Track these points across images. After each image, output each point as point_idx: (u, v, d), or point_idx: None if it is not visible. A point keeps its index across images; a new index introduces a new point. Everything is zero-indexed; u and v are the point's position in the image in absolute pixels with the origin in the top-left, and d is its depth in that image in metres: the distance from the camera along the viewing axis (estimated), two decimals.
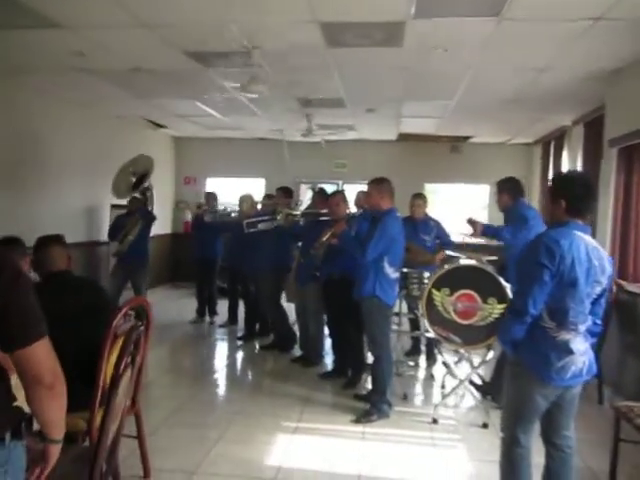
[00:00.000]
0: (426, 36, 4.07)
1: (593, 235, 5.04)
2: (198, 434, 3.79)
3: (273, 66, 4.89)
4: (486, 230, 4.39)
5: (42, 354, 1.37)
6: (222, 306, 7.37)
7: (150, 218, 6.52)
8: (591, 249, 2.38)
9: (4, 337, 1.34)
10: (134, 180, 6.30)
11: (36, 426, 1.49)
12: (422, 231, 5.64)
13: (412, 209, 5.68)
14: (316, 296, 5.35)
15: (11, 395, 1.44)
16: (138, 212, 6.37)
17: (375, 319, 4.09)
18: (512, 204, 4.38)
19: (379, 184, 4.16)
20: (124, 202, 6.54)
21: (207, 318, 7.45)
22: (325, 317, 5.44)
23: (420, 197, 5.79)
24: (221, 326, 7.17)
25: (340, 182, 9.86)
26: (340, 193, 5.17)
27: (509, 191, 4.42)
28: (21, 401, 1.44)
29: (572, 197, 2.41)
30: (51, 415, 1.44)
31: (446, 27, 3.87)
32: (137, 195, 6.38)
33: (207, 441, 3.67)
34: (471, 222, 4.43)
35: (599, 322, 2.51)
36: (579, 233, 2.40)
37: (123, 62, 5.01)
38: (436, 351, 5.30)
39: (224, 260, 7.28)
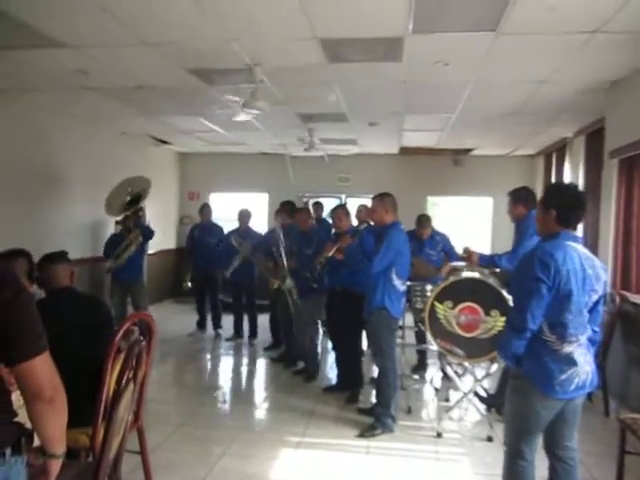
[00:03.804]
0: (425, 51, 4.12)
1: (596, 246, 5.12)
2: (202, 449, 3.78)
3: (275, 82, 4.95)
4: (482, 260, 4.31)
5: (43, 369, 1.39)
6: (227, 321, 7.39)
7: (149, 234, 6.51)
8: (584, 259, 2.39)
9: (5, 351, 1.36)
10: (128, 199, 6.29)
11: (37, 442, 1.50)
12: (428, 246, 5.72)
13: (420, 230, 5.73)
14: (311, 309, 5.35)
15: (12, 411, 1.45)
16: (139, 227, 6.36)
17: (382, 331, 4.10)
18: (526, 215, 4.25)
19: (382, 199, 4.19)
20: (117, 217, 6.55)
21: (208, 331, 7.51)
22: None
23: (425, 219, 5.84)
24: (227, 340, 7.19)
25: (343, 196, 9.91)
26: (342, 207, 5.20)
27: (524, 201, 4.28)
28: (21, 417, 1.45)
29: (563, 207, 2.42)
30: (51, 430, 1.45)
31: (445, 42, 3.92)
32: (128, 214, 6.34)
33: (211, 456, 3.66)
34: (467, 252, 4.36)
35: (597, 329, 2.51)
36: (572, 243, 2.41)
37: (127, 80, 5.08)
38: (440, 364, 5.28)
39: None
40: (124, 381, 2.29)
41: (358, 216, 5.88)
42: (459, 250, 5.62)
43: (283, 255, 5.61)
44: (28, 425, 1.46)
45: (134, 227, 6.35)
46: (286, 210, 6.06)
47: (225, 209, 9.19)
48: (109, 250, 6.41)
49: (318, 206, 7.63)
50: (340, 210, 5.01)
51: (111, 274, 6.44)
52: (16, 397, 1.46)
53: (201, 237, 7.45)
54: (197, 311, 7.60)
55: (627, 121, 4.71)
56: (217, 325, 7.45)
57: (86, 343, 2.60)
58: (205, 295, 7.53)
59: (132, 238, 6.29)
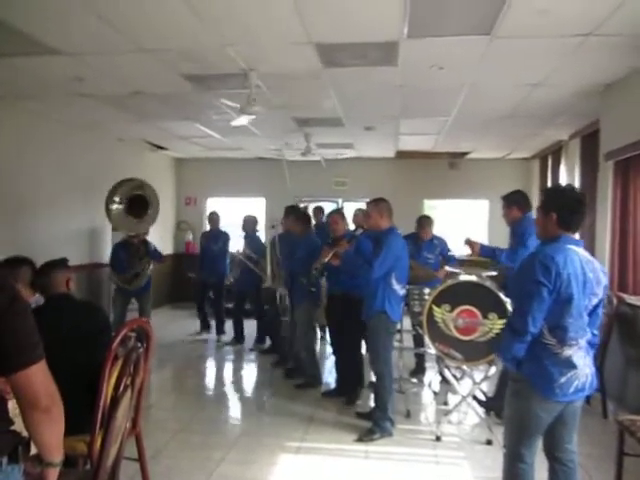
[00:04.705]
0: (420, 55, 4.13)
1: (592, 248, 5.13)
2: (201, 455, 3.77)
3: (271, 87, 4.96)
4: (483, 251, 4.32)
5: (39, 377, 1.38)
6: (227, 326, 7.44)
7: (160, 259, 6.54)
8: (585, 262, 2.39)
9: (1, 360, 1.35)
10: (119, 207, 6.18)
11: (34, 450, 1.49)
12: (426, 249, 5.71)
13: (421, 231, 5.72)
14: (307, 315, 5.36)
15: (8, 419, 1.44)
16: (147, 255, 6.32)
17: (380, 335, 4.10)
18: (521, 218, 4.30)
19: (378, 204, 4.20)
20: (132, 233, 6.44)
21: (209, 332, 7.57)
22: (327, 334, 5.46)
23: (428, 220, 5.83)
24: (227, 344, 7.19)
25: (340, 200, 9.93)
26: (338, 212, 5.20)
27: (518, 204, 4.33)
28: (18, 425, 1.45)
29: (564, 210, 2.42)
30: (48, 438, 1.44)
31: (440, 46, 3.93)
32: (140, 238, 6.30)
33: (210, 462, 3.65)
34: (469, 242, 4.37)
35: (596, 332, 2.51)
36: (573, 247, 2.41)
37: (123, 86, 5.09)
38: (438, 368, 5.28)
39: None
40: (121, 388, 2.28)
41: (355, 220, 5.87)
42: (459, 247, 5.63)
43: (268, 255, 5.82)
44: (25, 433, 1.45)
45: (145, 254, 6.30)
46: (288, 215, 6.02)
47: (223, 214, 9.16)
48: (116, 264, 6.36)
49: (319, 211, 7.65)
50: (335, 215, 5.03)
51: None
52: (12, 405, 1.45)
53: (207, 244, 7.49)
54: (198, 315, 7.65)
55: (622, 123, 4.73)
56: (220, 331, 7.45)
57: (83, 350, 2.59)
58: (205, 301, 7.56)
59: (143, 265, 6.25)
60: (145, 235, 6.39)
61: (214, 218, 7.61)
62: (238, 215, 7.43)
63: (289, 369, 5.77)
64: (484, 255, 4.32)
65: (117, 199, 6.17)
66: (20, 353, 1.36)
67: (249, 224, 7.06)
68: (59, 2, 3.23)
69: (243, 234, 7.15)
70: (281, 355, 6.16)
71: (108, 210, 6.17)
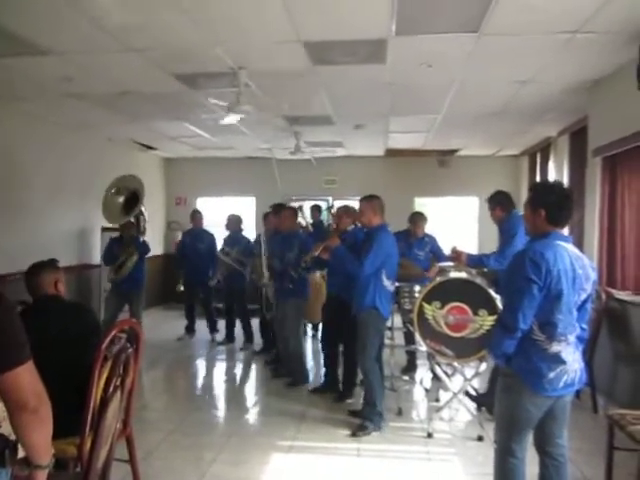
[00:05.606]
0: (409, 52, 4.14)
1: (580, 244, 5.16)
2: (192, 456, 3.75)
3: (260, 86, 4.94)
4: (470, 260, 4.38)
5: (25, 378, 1.36)
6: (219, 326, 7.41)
7: (145, 250, 6.42)
8: (574, 258, 2.41)
9: None
10: (122, 200, 6.18)
11: (22, 453, 1.48)
12: (416, 246, 5.74)
13: (414, 227, 5.74)
14: (296, 312, 5.38)
15: None
16: (134, 244, 6.20)
17: (369, 331, 4.12)
18: (505, 217, 4.43)
19: (371, 201, 4.22)
20: (116, 225, 6.42)
21: (196, 335, 7.54)
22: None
23: (422, 216, 5.85)
24: (219, 344, 7.17)
25: (330, 198, 9.91)
26: (343, 207, 5.22)
27: (500, 204, 4.47)
28: (5, 428, 1.43)
29: (552, 206, 2.44)
30: (36, 440, 1.42)
31: (428, 44, 3.94)
32: (130, 220, 6.20)
33: (201, 463, 3.64)
34: (455, 252, 4.43)
35: (585, 327, 2.53)
36: (562, 243, 2.42)
37: (111, 86, 5.05)
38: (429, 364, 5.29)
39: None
40: (111, 389, 2.27)
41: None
42: (447, 251, 5.66)
43: (263, 254, 5.81)
44: (12, 437, 1.43)
45: (131, 242, 6.19)
46: (277, 212, 6.02)
47: (213, 214, 9.14)
48: (107, 258, 6.31)
49: (316, 209, 7.65)
50: (340, 209, 5.07)
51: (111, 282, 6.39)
52: (0, 409, 1.43)
53: (192, 243, 7.44)
54: (186, 316, 7.60)
55: (609, 119, 4.76)
56: (213, 329, 7.43)
57: (72, 351, 2.57)
58: (194, 300, 7.52)
59: (128, 255, 6.17)
60: (141, 234, 6.32)
61: (197, 217, 7.58)
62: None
63: (275, 368, 5.80)
64: (471, 264, 4.36)
65: (121, 193, 6.16)
66: (6, 354, 1.35)
67: (233, 223, 7.03)
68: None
69: (225, 235, 7.12)
70: (274, 354, 6.16)
71: (109, 195, 6.13)
